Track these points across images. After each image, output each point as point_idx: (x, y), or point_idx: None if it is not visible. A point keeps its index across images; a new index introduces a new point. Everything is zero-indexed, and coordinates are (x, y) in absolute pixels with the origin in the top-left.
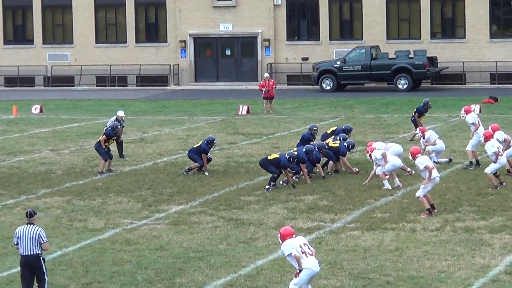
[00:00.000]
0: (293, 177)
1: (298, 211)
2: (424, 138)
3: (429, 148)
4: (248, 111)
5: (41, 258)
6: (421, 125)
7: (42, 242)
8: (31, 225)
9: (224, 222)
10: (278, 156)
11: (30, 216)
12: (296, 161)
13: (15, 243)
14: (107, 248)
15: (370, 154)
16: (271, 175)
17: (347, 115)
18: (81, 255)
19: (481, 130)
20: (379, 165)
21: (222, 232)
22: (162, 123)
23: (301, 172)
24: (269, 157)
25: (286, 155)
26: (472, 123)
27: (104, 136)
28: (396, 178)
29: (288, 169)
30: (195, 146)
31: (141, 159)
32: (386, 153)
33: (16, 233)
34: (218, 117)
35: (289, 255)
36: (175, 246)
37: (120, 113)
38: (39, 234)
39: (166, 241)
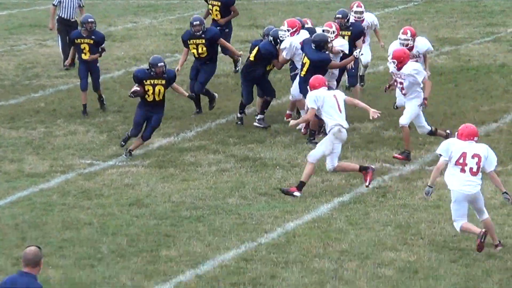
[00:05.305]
0: None
1: (350, 146)
2: None
3: None
4: None
5: None
6: None
7: None
8: None
9: (236, 163)
10: None
11: None
12: None
13: None
14: (54, 203)
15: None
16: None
17: None
18: (14, 215)
19: None
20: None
21: (233, 179)
22: (138, 10)
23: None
24: None
25: None
26: None
27: None
28: None
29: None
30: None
31: (106, 66)
32: None
33: None
34: None
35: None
36: (159, 200)
37: None
38: None
39: (146, 192)
